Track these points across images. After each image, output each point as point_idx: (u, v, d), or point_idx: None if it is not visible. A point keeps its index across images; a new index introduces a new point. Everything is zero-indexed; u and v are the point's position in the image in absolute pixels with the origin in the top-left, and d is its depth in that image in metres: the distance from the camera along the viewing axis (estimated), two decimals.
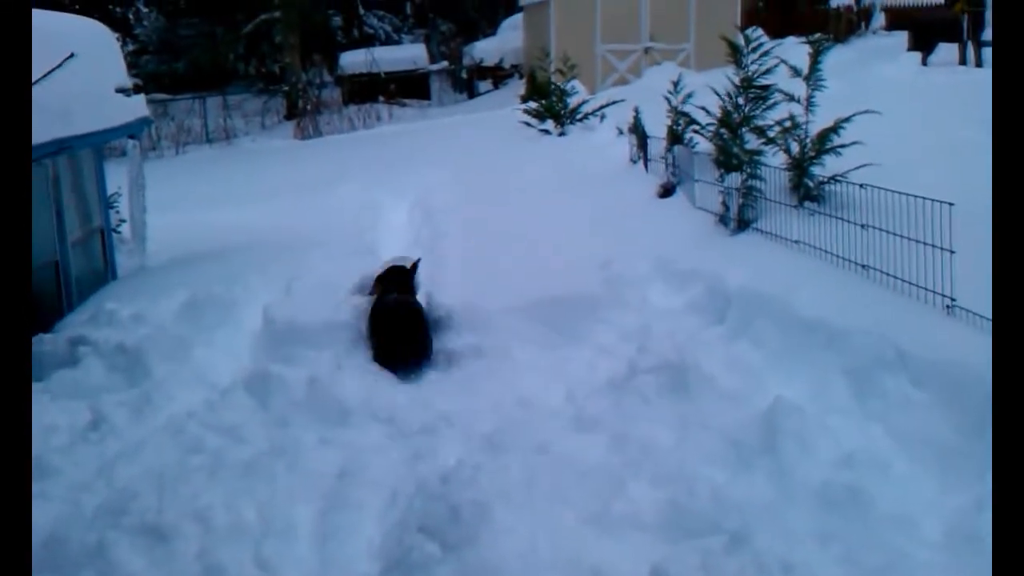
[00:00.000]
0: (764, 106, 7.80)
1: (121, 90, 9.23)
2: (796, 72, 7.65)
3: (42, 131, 6.86)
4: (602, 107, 14.49)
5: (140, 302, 7.53)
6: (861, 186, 6.32)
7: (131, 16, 31.65)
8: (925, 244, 5.35)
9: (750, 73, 7.77)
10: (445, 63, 30.78)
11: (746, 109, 7.84)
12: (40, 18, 6.10)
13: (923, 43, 15.80)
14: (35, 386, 6.06)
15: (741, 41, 7.91)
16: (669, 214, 8.67)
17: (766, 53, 7.75)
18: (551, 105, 14.95)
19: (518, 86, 24.77)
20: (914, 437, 4.60)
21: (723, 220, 7.73)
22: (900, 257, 5.60)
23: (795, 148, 7.58)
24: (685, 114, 9.38)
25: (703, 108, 8.68)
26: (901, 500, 4.22)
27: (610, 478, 4.67)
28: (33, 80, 6.69)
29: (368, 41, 31.72)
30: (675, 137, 9.54)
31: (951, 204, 5.16)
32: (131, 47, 29.29)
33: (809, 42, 7.74)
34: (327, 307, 7.32)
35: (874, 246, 5.91)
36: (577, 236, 8.54)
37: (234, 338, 7.12)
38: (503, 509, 4.36)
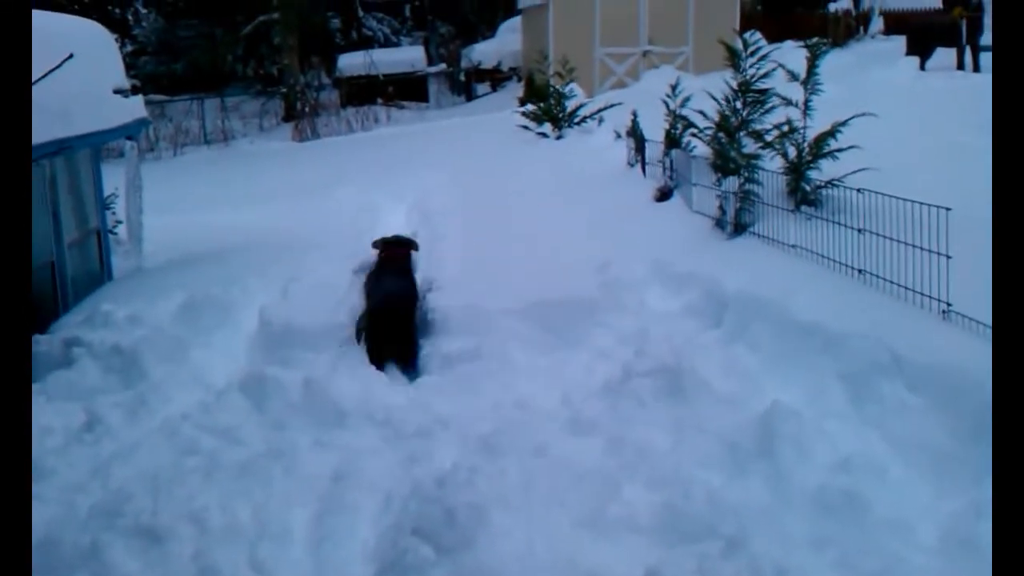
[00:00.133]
0: (762, 110, 7.82)
1: (119, 91, 9.22)
2: (794, 76, 7.66)
3: (42, 131, 6.87)
4: (600, 110, 14.48)
5: (136, 303, 7.53)
6: (858, 190, 6.32)
7: (130, 17, 31.61)
8: (922, 249, 5.35)
9: (748, 77, 7.79)
10: (443, 65, 30.74)
11: (744, 113, 7.86)
12: (39, 19, 6.09)
13: (921, 48, 15.81)
14: None
15: (739, 45, 7.91)
16: (666, 218, 8.67)
17: (764, 57, 7.78)
18: (549, 108, 14.94)
19: (516, 89, 24.77)
20: (910, 442, 4.60)
21: (720, 224, 7.73)
22: (897, 262, 5.60)
23: (792, 152, 7.58)
24: (683, 118, 9.39)
25: (701, 112, 8.68)
26: (897, 505, 4.21)
27: (606, 481, 4.67)
28: (33, 80, 6.67)
29: (367, 43, 31.67)
30: (673, 141, 9.55)
31: (948, 209, 5.16)
32: (129, 48, 29.25)
33: (807, 46, 7.76)
34: (324, 309, 7.32)
35: (871, 251, 5.91)
36: (574, 239, 8.54)
37: (231, 340, 7.13)
38: (498, 512, 4.36)
